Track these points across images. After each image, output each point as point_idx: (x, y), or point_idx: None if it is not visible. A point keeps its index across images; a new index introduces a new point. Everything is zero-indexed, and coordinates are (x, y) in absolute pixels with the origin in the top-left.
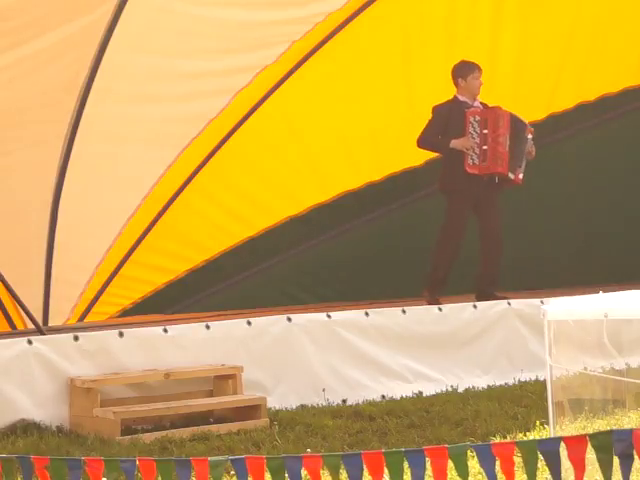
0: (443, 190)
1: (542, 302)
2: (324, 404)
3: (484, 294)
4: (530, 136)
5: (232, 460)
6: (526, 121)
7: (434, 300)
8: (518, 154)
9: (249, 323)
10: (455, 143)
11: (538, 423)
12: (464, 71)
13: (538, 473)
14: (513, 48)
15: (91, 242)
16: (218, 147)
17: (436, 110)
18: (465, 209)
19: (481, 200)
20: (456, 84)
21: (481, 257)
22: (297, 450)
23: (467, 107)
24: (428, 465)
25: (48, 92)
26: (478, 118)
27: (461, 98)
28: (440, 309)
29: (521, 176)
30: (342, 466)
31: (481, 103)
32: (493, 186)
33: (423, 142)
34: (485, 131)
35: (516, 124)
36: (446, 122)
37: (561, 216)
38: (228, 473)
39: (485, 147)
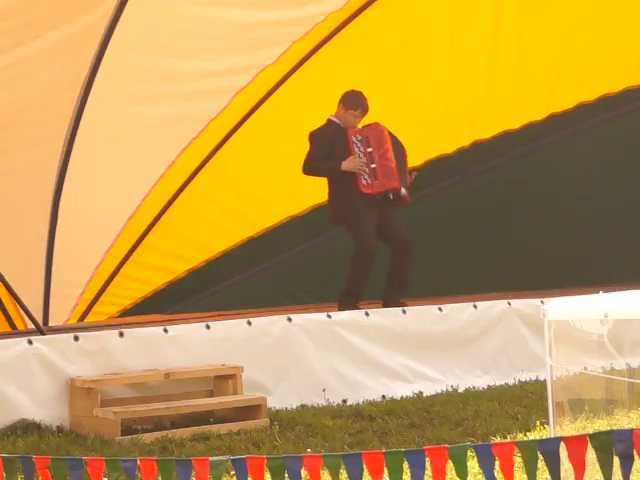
0: (340, 218)
1: (542, 302)
2: (324, 404)
3: (392, 302)
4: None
5: (233, 460)
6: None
7: (350, 307)
8: (402, 171)
9: (249, 323)
10: (346, 165)
11: (538, 423)
12: (350, 103)
13: (538, 473)
14: (513, 48)
15: (91, 242)
16: (218, 147)
17: (317, 135)
18: (369, 228)
19: (380, 220)
20: (338, 108)
21: (394, 268)
22: (297, 450)
23: (344, 129)
24: (428, 465)
25: (48, 92)
26: (359, 137)
27: (337, 121)
28: (440, 309)
29: (406, 194)
30: (342, 466)
31: None
32: (387, 204)
33: (311, 168)
34: (369, 149)
35: (394, 141)
36: (330, 145)
37: (561, 216)
38: (228, 473)
39: (373, 165)
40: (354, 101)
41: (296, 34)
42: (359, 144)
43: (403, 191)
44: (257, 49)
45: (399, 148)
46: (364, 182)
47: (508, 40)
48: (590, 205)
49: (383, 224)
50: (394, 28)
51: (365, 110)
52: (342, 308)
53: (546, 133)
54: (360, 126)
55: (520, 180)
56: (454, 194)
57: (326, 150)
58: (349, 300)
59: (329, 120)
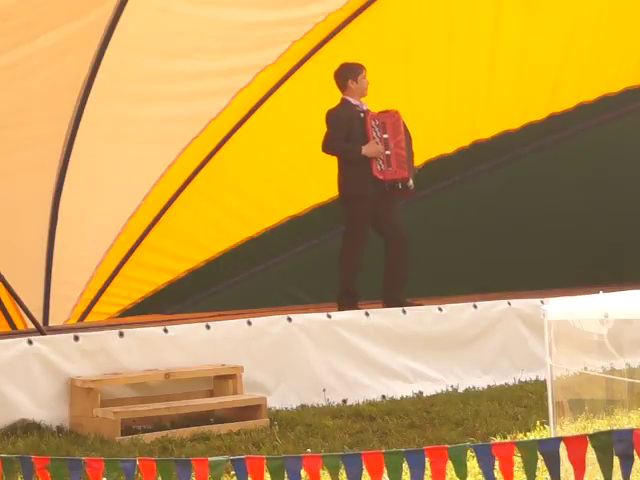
0: (345, 196)
1: (542, 302)
2: (324, 404)
3: (394, 301)
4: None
5: (232, 460)
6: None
7: (350, 307)
8: (411, 162)
9: (249, 323)
10: (366, 150)
11: (538, 423)
12: (353, 72)
13: (538, 473)
14: (513, 48)
15: (91, 242)
16: (218, 147)
17: (334, 115)
18: (367, 216)
19: (380, 208)
20: (345, 86)
21: (389, 265)
22: (297, 450)
23: (361, 110)
24: (428, 465)
25: (48, 92)
26: (377, 122)
27: (353, 101)
28: (440, 309)
29: (412, 186)
30: (342, 466)
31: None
32: (392, 193)
33: (331, 148)
34: (385, 135)
35: (406, 132)
36: (348, 126)
37: (561, 216)
38: (228, 473)
39: (388, 152)
40: (353, 68)
41: (296, 34)
42: (377, 129)
43: (411, 182)
44: (257, 49)
45: (408, 139)
46: (378, 168)
47: (508, 40)
48: (590, 205)
49: (381, 215)
50: (394, 28)
51: (364, 66)
52: (342, 308)
53: (546, 133)
54: (378, 111)
55: (520, 180)
56: (454, 194)
57: (344, 130)
58: (348, 300)
59: (344, 100)
